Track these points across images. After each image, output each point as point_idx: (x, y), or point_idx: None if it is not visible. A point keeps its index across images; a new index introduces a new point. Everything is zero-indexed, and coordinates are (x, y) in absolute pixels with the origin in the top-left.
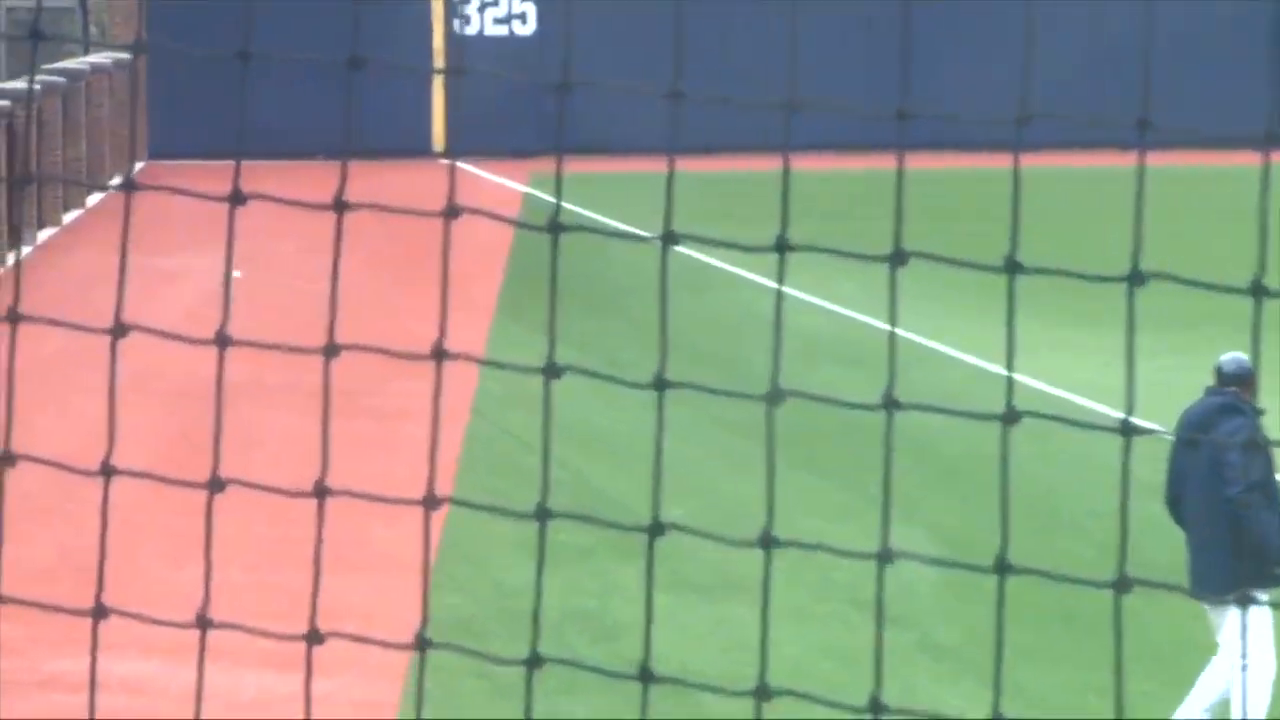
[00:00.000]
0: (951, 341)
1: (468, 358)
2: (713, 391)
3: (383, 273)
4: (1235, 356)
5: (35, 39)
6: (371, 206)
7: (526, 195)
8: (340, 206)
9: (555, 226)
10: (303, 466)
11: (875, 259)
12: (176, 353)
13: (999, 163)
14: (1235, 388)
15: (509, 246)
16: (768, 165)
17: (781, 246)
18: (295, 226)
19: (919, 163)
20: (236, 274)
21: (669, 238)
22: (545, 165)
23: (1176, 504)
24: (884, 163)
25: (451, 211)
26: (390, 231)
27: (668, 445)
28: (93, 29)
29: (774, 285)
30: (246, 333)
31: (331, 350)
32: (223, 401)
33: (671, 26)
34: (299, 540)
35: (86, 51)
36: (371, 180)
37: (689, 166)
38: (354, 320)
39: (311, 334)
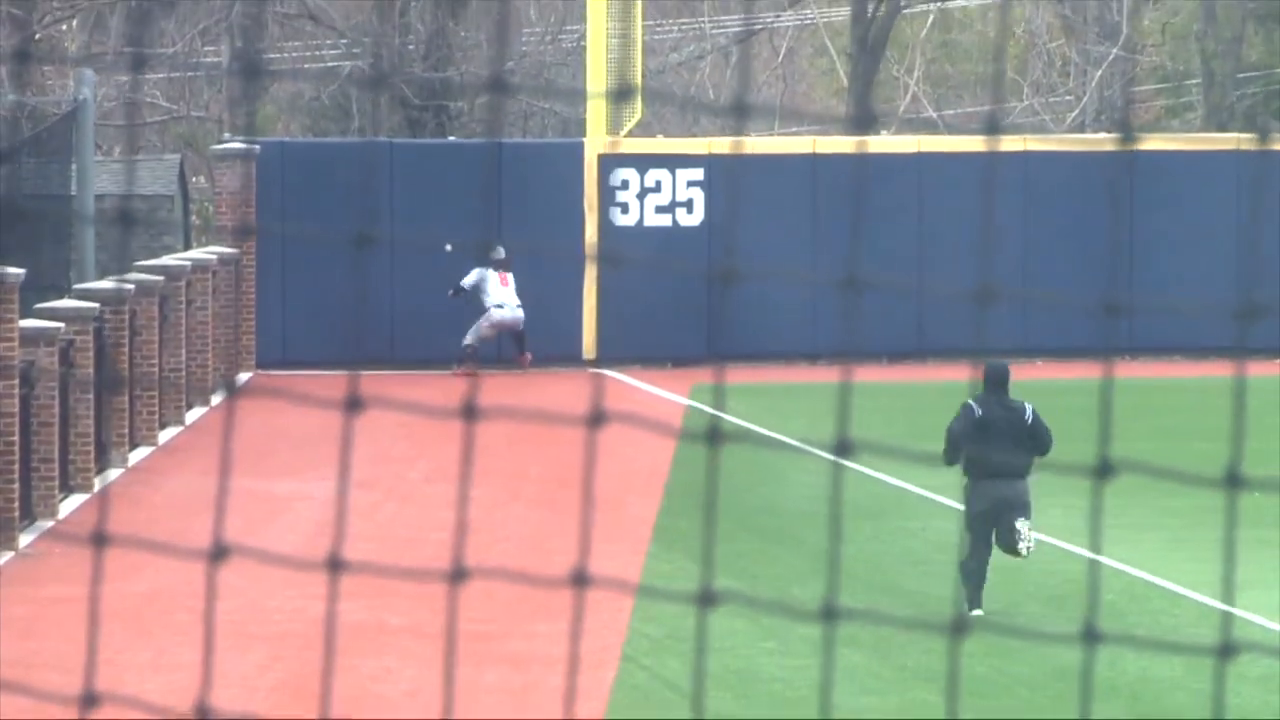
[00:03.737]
0: (1174, 576)
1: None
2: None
3: (524, 499)
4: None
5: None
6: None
7: (688, 408)
8: (470, 414)
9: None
10: None
11: (1077, 472)
12: (283, 591)
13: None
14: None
15: (668, 467)
16: (961, 374)
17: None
18: (425, 449)
19: (1139, 370)
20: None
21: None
22: (709, 375)
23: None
24: (1097, 371)
25: (596, 420)
26: (532, 452)
27: (853, 695)
28: (194, 219)
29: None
30: (365, 569)
31: (459, 574)
32: (334, 647)
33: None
34: None
35: (188, 246)
36: (514, 392)
37: (876, 376)
38: (489, 552)
39: (441, 569)
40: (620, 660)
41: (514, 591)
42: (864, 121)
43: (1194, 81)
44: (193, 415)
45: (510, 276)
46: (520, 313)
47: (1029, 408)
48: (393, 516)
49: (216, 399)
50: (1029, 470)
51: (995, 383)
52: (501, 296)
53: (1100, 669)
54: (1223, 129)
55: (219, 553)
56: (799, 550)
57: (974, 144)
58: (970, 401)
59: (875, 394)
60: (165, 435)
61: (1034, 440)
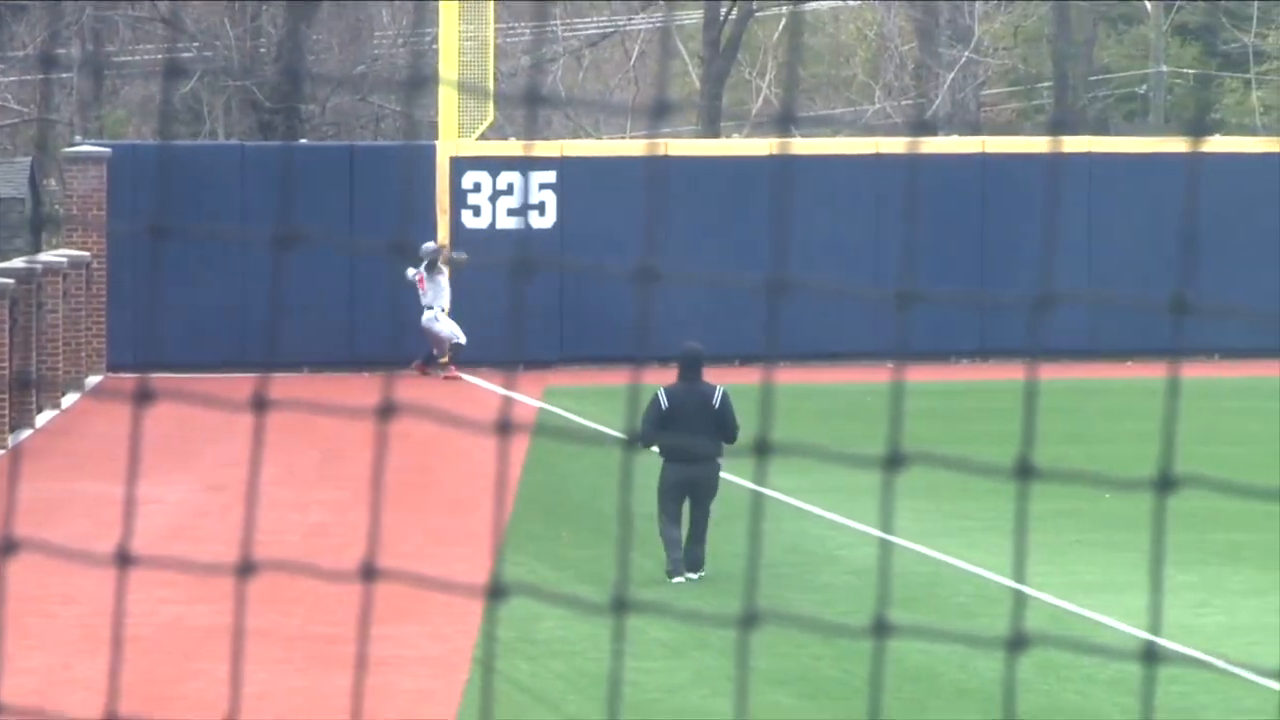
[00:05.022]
0: (1032, 580)
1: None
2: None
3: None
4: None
5: None
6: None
7: (541, 410)
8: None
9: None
10: None
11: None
12: (132, 594)
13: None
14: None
15: (520, 469)
16: (822, 377)
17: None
18: (275, 452)
19: (990, 373)
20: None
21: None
22: (564, 378)
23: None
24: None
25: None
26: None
27: (704, 698)
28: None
29: (833, 516)
30: (219, 572)
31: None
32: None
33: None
34: None
35: (38, 249)
36: (367, 396)
37: (731, 378)
38: (340, 556)
39: (295, 574)
40: (471, 663)
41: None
42: (715, 123)
43: (1046, 85)
44: (43, 418)
45: (427, 277)
46: (425, 316)
47: (719, 392)
48: (244, 519)
49: (67, 401)
50: (718, 453)
51: (688, 367)
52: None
53: (952, 672)
54: (1073, 132)
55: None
56: (654, 554)
57: (829, 146)
58: (659, 391)
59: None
60: (15, 438)
61: (721, 424)
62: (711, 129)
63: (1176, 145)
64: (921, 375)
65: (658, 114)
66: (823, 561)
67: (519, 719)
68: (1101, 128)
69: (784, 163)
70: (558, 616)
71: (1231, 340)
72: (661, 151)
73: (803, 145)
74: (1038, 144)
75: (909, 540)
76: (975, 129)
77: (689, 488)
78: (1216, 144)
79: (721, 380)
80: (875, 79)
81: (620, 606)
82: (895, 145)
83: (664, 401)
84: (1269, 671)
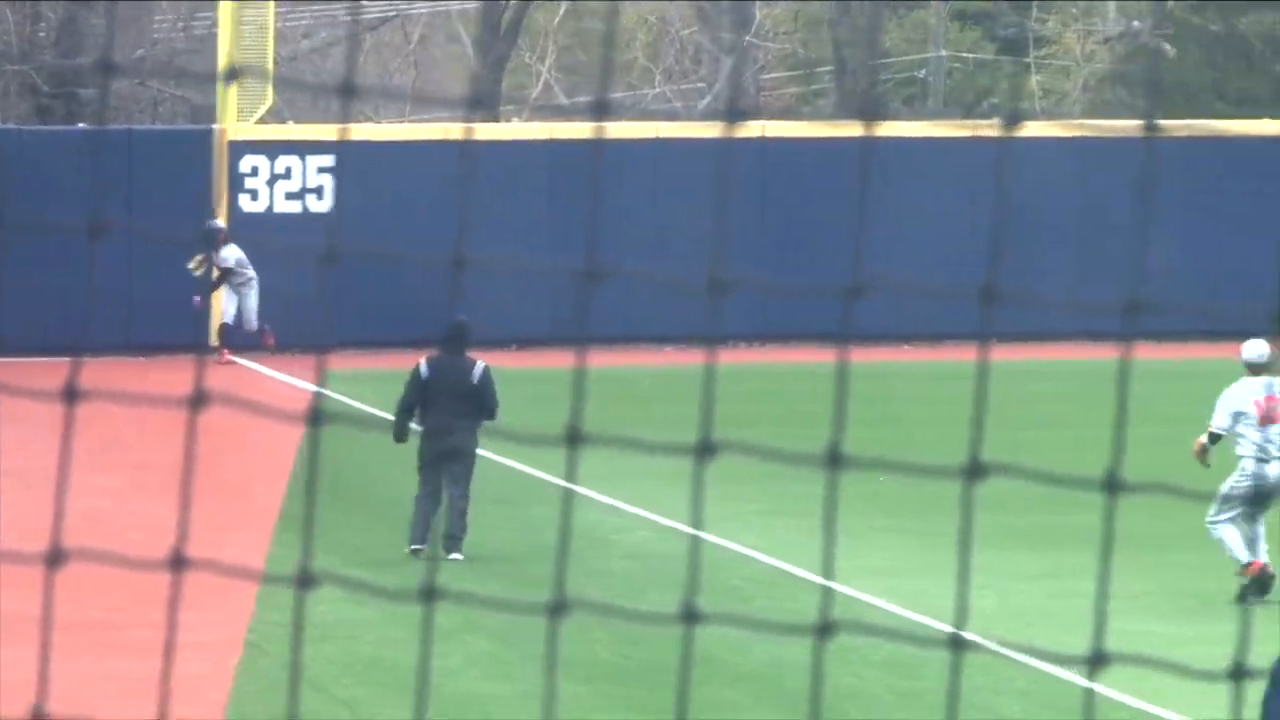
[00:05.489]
0: (808, 564)
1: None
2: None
3: (151, 486)
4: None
5: None
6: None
7: (316, 394)
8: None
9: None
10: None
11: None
12: None
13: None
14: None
15: (296, 452)
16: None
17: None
18: (50, 440)
19: (768, 356)
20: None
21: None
22: (342, 361)
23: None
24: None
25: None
26: (158, 440)
27: (477, 681)
28: None
29: (608, 500)
30: None
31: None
32: None
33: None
34: None
35: None
36: (141, 380)
37: (510, 361)
38: (116, 540)
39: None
40: (245, 647)
41: (143, 580)
42: (491, 107)
43: (826, 69)
44: None
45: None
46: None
47: (479, 367)
48: (15, 502)
49: None
50: (475, 425)
51: (452, 339)
52: None
53: (728, 654)
54: (853, 117)
55: None
56: (433, 539)
57: (612, 130)
58: (420, 361)
59: (510, 380)
60: None
61: (479, 399)
62: (490, 113)
63: (958, 130)
64: (700, 359)
65: (473, 106)
66: (598, 545)
67: (290, 703)
68: (881, 112)
69: (561, 147)
70: (331, 600)
71: (1020, 324)
72: (440, 136)
73: (585, 130)
74: (817, 128)
75: (683, 524)
76: (754, 113)
77: (445, 459)
78: (996, 129)
79: (498, 364)
80: (655, 63)
81: (430, 594)
82: (674, 130)
83: (425, 371)
84: (1040, 653)
